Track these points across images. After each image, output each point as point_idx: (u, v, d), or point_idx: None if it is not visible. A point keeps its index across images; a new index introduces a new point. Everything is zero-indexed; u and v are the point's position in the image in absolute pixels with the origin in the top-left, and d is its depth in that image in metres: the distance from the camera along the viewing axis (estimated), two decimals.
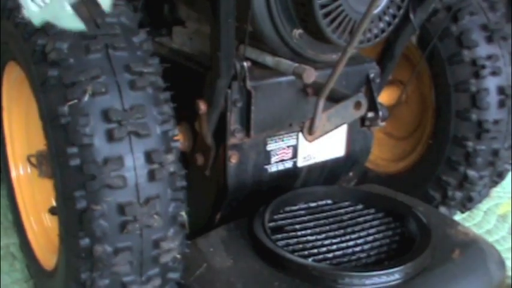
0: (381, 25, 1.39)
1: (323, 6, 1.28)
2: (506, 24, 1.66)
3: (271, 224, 1.37)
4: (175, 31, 1.65)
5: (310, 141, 1.29)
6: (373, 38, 1.39)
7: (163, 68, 1.20)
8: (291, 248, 1.31)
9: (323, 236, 1.36)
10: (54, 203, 1.29)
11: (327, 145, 1.55)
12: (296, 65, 1.32)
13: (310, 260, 1.27)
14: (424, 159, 1.79)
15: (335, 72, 1.15)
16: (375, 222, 1.41)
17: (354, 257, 1.30)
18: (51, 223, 1.55)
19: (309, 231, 1.37)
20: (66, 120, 1.09)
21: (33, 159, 1.43)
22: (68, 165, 1.09)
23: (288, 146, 1.50)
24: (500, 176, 1.76)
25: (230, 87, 1.35)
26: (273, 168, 1.49)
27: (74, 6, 1.09)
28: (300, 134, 1.43)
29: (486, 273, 1.31)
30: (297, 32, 1.37)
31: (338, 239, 1.34)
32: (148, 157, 1.11)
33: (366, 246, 1.33)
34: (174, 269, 1.19)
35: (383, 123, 1.52)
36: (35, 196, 1.59)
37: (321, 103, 1.21)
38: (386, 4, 1.37)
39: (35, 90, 1.21)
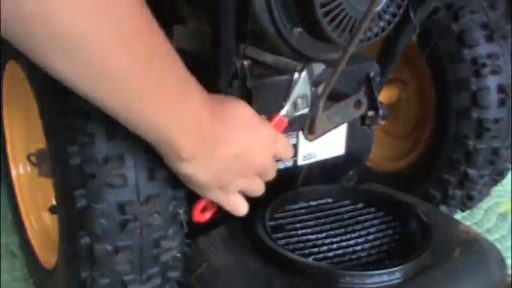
0: (381, 24, 1.38)
1: (323, 4, 1.28)
2: (506, 23, 1.66)
3: (272, 223, 1.37)
4: (175, 30, 1.65)
5: (310, 140, 1.28)
6: (374, 36, 1.38)
7: None
8: (291, 246, 1.31)
9: (324, 234, 1.36)
10: (54, 202, 1.29)
11: (327, 144, 1.55)
12: (296, 63, 1.32)
13: (310, 258, 1.27)
14: (425, 158, 1.79)
15: (336, 71, 1.14)
16: (376, 221, 1.40)
17: (354, 256, 1.30)
18: (51, 222, 1.54)
19: (309, 230, 1.37)
20: None
21: (33, 158, 1.43)
22: (68, 164, 1.09)
23: None
24: (501, 174, 1.75)
25: (230, 86, 1.35)
26: None
27: None
28: (300, 133, 1.43)
29: (487, 272, 1.30)
30: (297, 30, 1.36)
31: (339, 238, 1.34)
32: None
33: (366, 245, 1.33)
34: (174, 267, 1.19)
35: (383, 122, 1.51)
36: (35, 195, 1.59)
37: (322, 102, 1.20)
38: (386, 2, 1.36)
39: (34, 89, 1.21)
